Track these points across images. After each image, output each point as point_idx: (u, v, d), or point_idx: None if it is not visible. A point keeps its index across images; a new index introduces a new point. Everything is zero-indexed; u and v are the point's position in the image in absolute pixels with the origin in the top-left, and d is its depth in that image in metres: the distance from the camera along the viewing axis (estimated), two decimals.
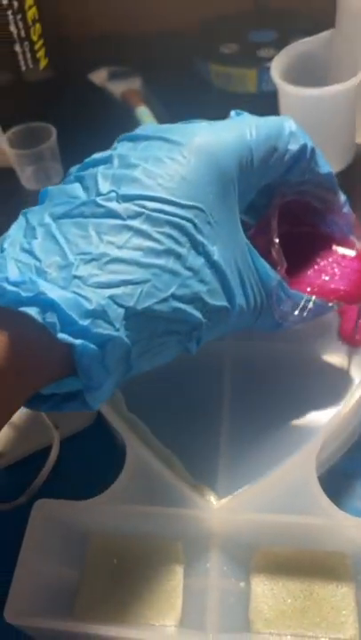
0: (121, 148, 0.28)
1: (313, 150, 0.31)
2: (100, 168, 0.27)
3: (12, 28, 0.57)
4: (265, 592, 0.31)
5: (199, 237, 0.26)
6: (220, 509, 0.32)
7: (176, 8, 0.73)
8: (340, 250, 0.36)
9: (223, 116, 0.63)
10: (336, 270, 0.35)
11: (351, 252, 0.36)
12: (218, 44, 0.68)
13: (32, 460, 0.38)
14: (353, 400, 0.34)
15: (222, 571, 0.31)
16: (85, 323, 0.23)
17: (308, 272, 0.36)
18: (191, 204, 0.26)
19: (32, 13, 0.59)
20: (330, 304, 0.34)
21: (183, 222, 0.26)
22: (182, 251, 0.26)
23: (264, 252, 0.31)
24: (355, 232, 0.36)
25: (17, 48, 0.59)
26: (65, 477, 0.37)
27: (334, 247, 0.36)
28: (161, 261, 0.25)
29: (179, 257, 0.26)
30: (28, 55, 0.61)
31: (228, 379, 0.38)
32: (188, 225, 0.26)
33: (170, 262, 0.25)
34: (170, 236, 0.25)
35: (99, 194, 0.26)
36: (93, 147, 0.61)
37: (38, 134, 0.58)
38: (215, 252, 0.27)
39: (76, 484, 0.33)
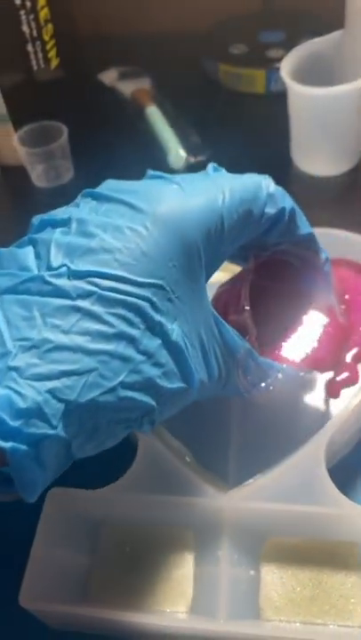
0: (82, 208, 0.26)
1: (293, 212, 0.29)
2: (57, 233, 0.25)
3: (25, 28, 0.58)
4: (275, 580, 0.31)
5: (157, 317, 0.24)
6: (230, 499, 0.32)
7: (185, 9, 0.74)
8: (317, 313, 0.34)
9: (231, 116, 0.64)
10: (310, 335, 0.34)
11: (325, 318, 0.34)
12: (227, 45, 0.69)
13: None
14: None
15: (233, 559, 0.31)
16: (17, 424, 0.21)
17: (282, 336, 0.34)
18: (150, 281, 0.24)
19: (44, 13, 0.60)
20: (301, 374, 0.32)
21: (139, 302, 0.24)
22: (136, 333, 0.24)
23: (235, 315, 0.30)
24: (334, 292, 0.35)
25: (29, 48, 0.60)
26: (78, 467, 0.38)
27: (311, 309, 0.34)
28: (110, 347, 0.23)
29: (131, 340, 0.24)
30: (40, 55, 0.61)
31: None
32: (145, 304, 0.24)
33: (120, 347, 0.23)
34: (123, 318, 0.23)
35: (49, 267, 0.24)
36: (103, 145, 0.62)
37: (49, 133, 0.58)
38: (174, 330, 0.25)
39: (89, 474, 0.34)
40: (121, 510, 0.33)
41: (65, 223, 0.25)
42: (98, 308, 0.23)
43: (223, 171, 0.29)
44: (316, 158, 0.56)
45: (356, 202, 0.55)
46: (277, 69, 0.54)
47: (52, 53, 0.63)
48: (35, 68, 0.61)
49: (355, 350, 0.36)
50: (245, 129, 0.64)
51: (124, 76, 0.71)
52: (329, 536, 0.32)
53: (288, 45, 0.55)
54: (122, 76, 0.71)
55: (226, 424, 0.36)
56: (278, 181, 0.61)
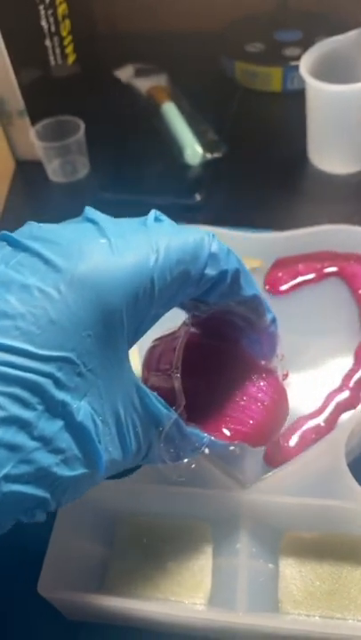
0: None
1: (237, 273, 0.26)
2: None
3: (43, 23, 0.58)
4: (294, 574, 0.31)
5: (59, 396, 0.21)
6: (249, 492, 0.32)
7: (203, 7, 0.74)
8: (257, 380, 0.32)
9: (247, 114, 0.64)
10: (247, 405, 0.31)
11: (265, 386, 0.32)
12: (244, 43, 0.69)
13: None
14: None
15: (251, 552, 0.31)
16: None
17: (217, 401, 0.31)
18: (56, 354, 0.21)
19: (63, 9, 0.60)
20: (230, 447, 0.30)
21: (39, 379, 0.21)
22: (31, 416, 0.20)
23: (165, 377, 0.28)
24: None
25: (47, 43, 0.60)
26: None
27: (252, 374, 0.32)
28: None
29: (24, 425, 0.20)
30: (58, 50, 0.62)
31: None
32: (47, 381, 0.21)
33: (9, 434, 0.20)
34: (16, 399, 0.20)
35: None
36: (119, 141, 0.62)
37: (66, 128, 0.59)
38: (81, 409, 0.22)
39: None
40: (138, 501, 0.33)
41: None
42: None
43: (165, 222, 0.25)
44: (333, 156, 0.56)
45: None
46: (294, 68, 0.54)
47: (70, 49, 0.63)
48: (52, 63, 0.61)
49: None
50: (261, 127, 0.64)
51: (141, 72, 0.71)
52: (348, 530, 0.31)
53: (305, 44, 0.55)
54: (138, 73, 0.71)
55: None
56: (295, 179, 0.61)
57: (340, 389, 0.37)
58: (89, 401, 0.22)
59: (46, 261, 0.22)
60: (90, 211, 0.24)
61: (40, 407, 0.21)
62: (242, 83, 0.68)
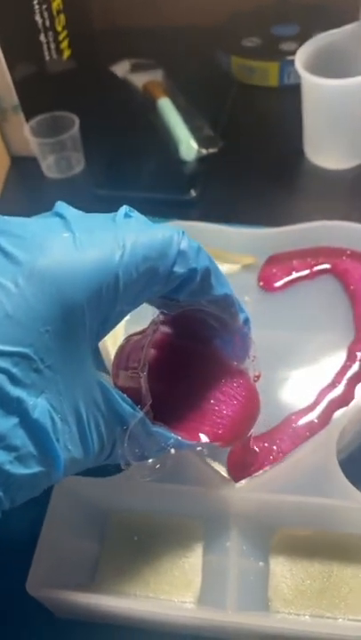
0: None
1: (207, 271, 0.26)
2: None
3: (38, 18, 0.58)
4: (284, 572, 0.31)
5: (14, 392, 0.21)
6: (240, 489, 0.32)
7: (199, 1, 0.73)
8: (229, 380, 0.32)
9: (244, 109, 0.64)
10: (216, 405, 0.31)
11: (236, 387, 0.32)
12: (240, 38, 0.69)
13: None
14: None
15: (242, 550, 0.31)
16: None
17: (186, 401, 0.31)
18: (12, 349, 0.21)
19: (57, 4, 0.59)
20: (198, 447, 0.30)
21: None
22: None
23: (133, 374, 0.28)
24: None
25: (42, 38, 0.59)
26: None
27: (224, 375, 0.32)
28: None
29: None
30: (52, 45, 0.61)
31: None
32: (1, 377, 0.20)
33: None
34: None
35: None
36: (114, 137, 0.61)
37: (61, 123, 0.58)
38: (37, 406, 0.21)
39: None
40: (129, 499, 0.33)
41: None
42: None
43: (134, 217, 0.25)
44: (328, 151, 0.56)
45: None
46: (291, 62, 0.53)
47: (65, 44, 0.62)
48: (47, 58, 0.61)
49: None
50: (257, 122, 0.64)
51: (137, 67, 0.70)
52: (339, 528, 0.31)
53: (302, 38, 0.55)
54: (134, 68, 0.70)
55: None
56: (291, 175, 0.61)
57: (332, 386, 0.37)
58: (47, 398, 0.22)
59: (6, 254, 0.21)
60: (60, 205, 0.24)
61: None
62: (238, 78, 0.68)
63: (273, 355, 0.38)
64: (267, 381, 0.38)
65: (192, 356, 0.32)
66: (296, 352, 0.39)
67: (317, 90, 0.51)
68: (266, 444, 0.35)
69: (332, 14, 0.66)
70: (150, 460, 0.28)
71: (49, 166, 0.60)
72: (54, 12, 0.60)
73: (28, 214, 0.26)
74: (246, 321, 0.31)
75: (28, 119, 0.58)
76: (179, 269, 0.24)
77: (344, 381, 0.37)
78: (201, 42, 0.70)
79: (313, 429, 0.35)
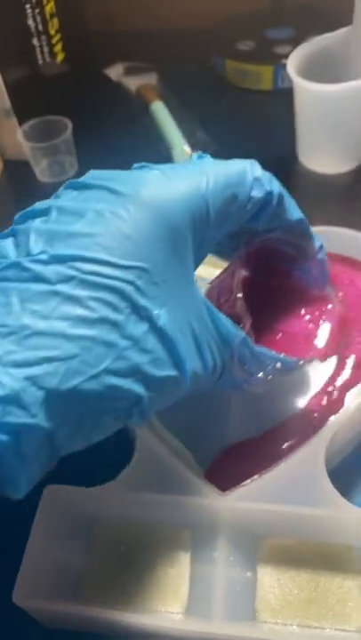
0: (63, 197, 0.25)
1: (281, 196, 0.28)
2: (37, 222, 0.24)
3: (30, 22, 0.58)
4: (271, 582, 0.31)
5: (142, 301, 0.23)
6: (227, 499, 0.32)
7: (194, 5, 0.73)
8: (313, 303, 0.34)
9: (237, 112, 0.64)
10: (310, 326, 0.33)
11: (322, 307, 0.34)
12: (235, 41, 0.69)
13: None
14: None
15: (229, 560, 0.31)
16: None
17: (279, 327, 0.33)
18: (133, 264, 0.23)
19: (50, 7, 0.59)
20: (300, 362, 0.31)
21: (123, 285, 0.23)
22: (120, 318, 0.23)
23: (229, 304, 0.29)
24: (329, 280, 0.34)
25: (34, 42, 0.59)
26: (75, 464, 0.37)
27: (307, 300, 0.34)
28: (93, 332, 0.22)
29: (115, 325, 0.23)
30: (46, 49, 0.61)
31: None
32: (129, 288, 0.23)
33: (104, 332, 0.22)
34: (106, 302, 0.23)
35: (28, 254, 0.23)
36: (108, 141, 0.61)
37: (54, 128, 0.58)
38: (161, 315, 0.24)
39: (86, 471, 0.34)
40: (117, 509, 0.33)
41: (45, 213, 0.24)
42: (79, 293, 0.22)
43: (208, 157, 0.28)
44: (321, 156, 0.56)
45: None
46: (285, 66, 0.53)
47: (58, 48, 0.62)
48: (40, 62, 0.61)
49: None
50: (252, 126, 0.63)
51: (131, 71, 0.70)
52: (327, 539, 0.31)
53: (296, 42, 0.55)
54: (128, 72, 0.70)
55: (225, 421, 0.36)
56: (284, 179, 0.61)
57: (322, 393, 0.37)
58: (167, 310, 0.24)
59: (111, 191, 0.24)
60: (136, 164, 0.27)
61: (127, 310, 0.23)
62: (232, 81, 0.68)
63: None
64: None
65: (274, 291, 0.33)
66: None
67: (309, 95, 0.51)
68: (254, 453, 0.34)
69: (328, 17, 0.66)
70: (260, 374, 0.30)
71: (42, 170, 0.60)
72: (47, 16, 0.60)
73: None
74: (321, 246, 0.32)
75: (21, 123, 0.58)
76: (257, 194, 0.27)
77: (334, 388, 0.37)
78: (195, 45, 0.70)
79: (302, 438, 0.35)
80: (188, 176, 0.26)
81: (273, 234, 0.30)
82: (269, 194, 0.28)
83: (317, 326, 0.33)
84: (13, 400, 0.21)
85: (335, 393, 0.36)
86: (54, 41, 0.61)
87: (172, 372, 0.24)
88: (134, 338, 0.23)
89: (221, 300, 0.29)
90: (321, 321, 0.33)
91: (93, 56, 0.70)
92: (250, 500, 0.32)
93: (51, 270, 0.22)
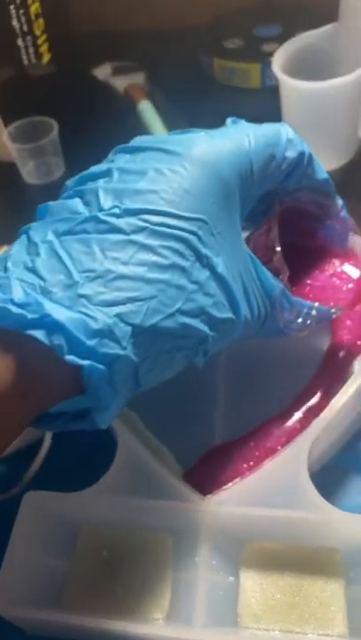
0: (119, 160, 0.27)
1: (310, 157, 0.31)
2: (101, 182, 0.26)
3: (15, 23, 0.57)
4: (254, 587, 0.31)
5: (203, 250, 0.26)
6: (210, 503, 0.32)
7: (181, 3, 0.73)
8: (339, 262, 0.37)
9: (225, 111, 0.63)
10: (335, 280, 0.36)
11: (351, 269, 0.37)
12: (223, 40, 0.68)
13: (23, 452, 0.38)
14: (347, 394, 0.34)
15: (211, 565, 0.31)
16: (92, 343, 0.23)
17: (309, 281, 0.36)
18: (195, 216, 0.25)
19: (35, 8, 0.59)
20: (332, 310, 0.34)
21: (187, 235, 0.25)
22: (187, 264, 0.25)
23: (265, 260, 0.30)
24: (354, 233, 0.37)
25: (19, 42, 0.59)
26: (56, 470, 0.37)
27: (333, 260, 0.37)
28: (166, 276, 0.25)
29: (184, 271, 0.25)
30: (31, 50, 0.61)
31: (222, 368, 0.38)
32: (192, 238, 0.25)
33: (175, 277, 0.25)
34: (174, 250, 0.25)
35: (101, 209, 0.25)
36: (95, 141, 0.61)
37: (40, 129, 0.58)
38: (219, 263, 0.26)
39: (67, 477, 0.33)
40: (98, 514, 0.32)
41: (105, 174, 0.26)
42: (151, 242, 0.25)
43: (242, 121, 0.30)
44: None
45: (351, 198, 0.54)
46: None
47: (44, 48, 0.62)
48: (26, 62, 0.61)
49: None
50: None
51: (118, 71, 0.70)
52: (310, 542, 0.31)
53: (284, 39, 0.54)
54: (116, 71, 0.70)
55: (208, 424, 0.36)
56: None
57: (307, 394, 0.37)
58: (223, 259, 0.26)
59: (166, 151, 0.26)
60: (179, 130, 0.29)
61: (192, 258, 0.25)
62: (221, 80, 0.67)
63: (246, 361, 0.38)
64: (238, 389, 0.38)
65: (301, 249, 0.36)
66: (270, 358, 0.39)
67: (295, 93, 0.50)
68: (235, 455, 0.34)
69: (315, 14, 0.65)
70: (300, 320, 0.32)
71: (29, 172, 0.60)
72: (32, 17, 0.59)
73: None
74: (343, 205, 0.35)
75: (6, 124, 0.58)
76: (290, 154, 0.29)
77: (318, 390, 0.37)
78: (183, 44, 0.70)
79: (285, 440, 0.34)
80: (232, 136, 0.28)
81: (301, 193, 0.32)
82: (301, 154, 0.30)
83: (342, 280, 0.36)
84: (108, 334, 0.23)
85: (318, 395, 0.36)
86: (40, 42, 0.61)
87: (231, 315, 0.27)
88: (199, 283, 0.26)
89: (259, 255, 0.30)
90: (345, 275, 0.36)
91: (80, 56, 0.69)
92: (232, 503, 0.31)
93: (124, 222, 0.25)
